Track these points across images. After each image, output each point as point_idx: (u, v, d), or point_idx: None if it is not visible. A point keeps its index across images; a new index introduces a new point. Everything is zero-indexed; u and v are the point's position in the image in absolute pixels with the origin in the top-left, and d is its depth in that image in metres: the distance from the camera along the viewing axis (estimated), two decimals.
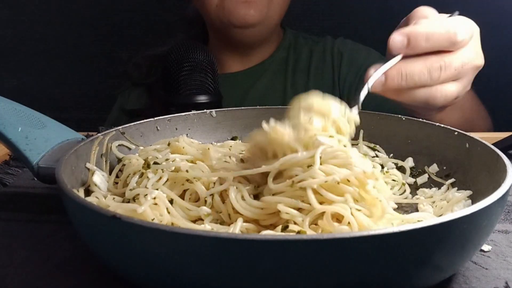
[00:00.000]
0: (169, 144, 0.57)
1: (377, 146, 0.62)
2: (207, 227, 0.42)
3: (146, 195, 0.44)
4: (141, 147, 0.59)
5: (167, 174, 0.48)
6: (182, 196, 0.47)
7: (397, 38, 0.56)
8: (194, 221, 0.45)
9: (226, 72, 1.12)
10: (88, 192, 0.50)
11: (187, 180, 0.47)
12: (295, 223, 0.41)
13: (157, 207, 0.43)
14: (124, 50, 1.55)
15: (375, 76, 0.55)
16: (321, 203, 0.41)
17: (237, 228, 0.41)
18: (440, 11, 0.72)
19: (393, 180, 0.57)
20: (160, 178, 0.48)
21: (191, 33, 1.16)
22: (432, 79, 0.56)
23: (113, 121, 1.15)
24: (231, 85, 1.08)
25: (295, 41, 1.16)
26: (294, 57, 1.13)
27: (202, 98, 0.82)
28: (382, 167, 0.59)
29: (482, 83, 1.35)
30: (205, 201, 0.46)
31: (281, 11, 1.07)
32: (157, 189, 0.46)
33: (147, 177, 0.48)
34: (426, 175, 0.58)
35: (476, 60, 0.61)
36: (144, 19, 1.55)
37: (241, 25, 1.01)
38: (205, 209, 0.44)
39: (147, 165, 0.50)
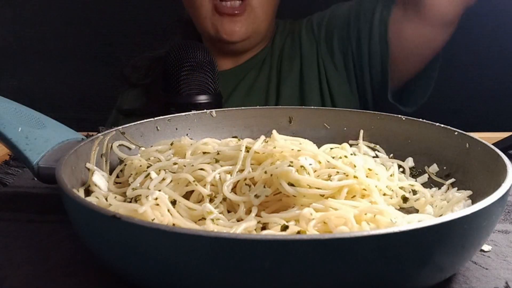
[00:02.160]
0: (172, 144, 0.57)
1: (377, 146, 0.62)
2: (209, 227, 0.42)
3: (148, 196, 0.44)
4: (141, 147, 0.59)
5: (171, 175, 0.48)
6: (187, 198, 0.47)
7: None
8: (197, 221, 0.45)
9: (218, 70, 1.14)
10: (88, 192, 0.50)
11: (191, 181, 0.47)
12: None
13: (158, 208, 0.43)
14: (124, 50, 1.55)
15: None
16: None
17: (240, 229, 0.41)
18: None
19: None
20: (164, 179, 0.48)
21: (187, 33, 1.17)
22: None
23: (112, 121, 1.16)
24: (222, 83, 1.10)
25: (291, 29, 1.15)
26: (280, 46, 1.13)
27: (202, 98, 0.82)
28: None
29: (483, 83, 1.36)
30: (211, 199, 0.46)
31: (268, 22, 1.08)
32: (159, 190, 0.46)
33: (150, 177, 0.48)
34: (426, 175, 0.58)
35: None
36: (145, 19, 1.55)
37: (228, 41, 1.04)
38: (208, 206, 0.44)
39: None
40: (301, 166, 0.46)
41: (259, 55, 1.13)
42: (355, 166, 0.49)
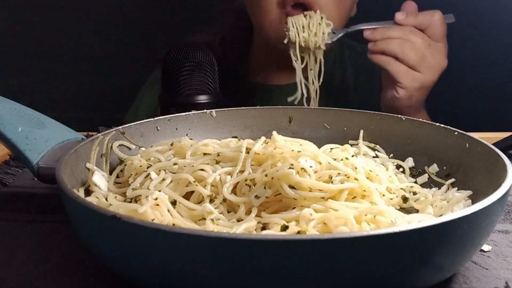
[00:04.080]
0: (172, 145, 0.57)
1: (377, 146, 0.62)
2: (209, 227, 0.42)
3: (148, 196, 0.44)
4: (141, 147, 0.59)
5: (171, 175, 0.48)
6: (187, 198, 0.47)
7: (400, 13, 0.83)
8: (197, 222, 0.45)
9: (268, 84, 1.08)
10: (88, 192, 0.50)
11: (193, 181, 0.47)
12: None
13: (158, 208, 0.43)
14: (124, 51, 1.55)
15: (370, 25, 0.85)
16: None
17: (240, 229, 0.41)
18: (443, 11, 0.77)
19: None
20: (164, 179, 0.48)
21: (238, 26, 1.10)
22: (403, 35, 0.82)
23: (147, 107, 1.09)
24: (276, 96, 1.06)
25: (340, 54, 1.11)
26: (339, 73, 1.09)
27: (202, 98, 0.82)
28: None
29: (483, 83, 1.36)
30: (211, 200, 0.46)
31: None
32: (159, 190, 0.45)
33: (150, 178, 0.48)
34: (426, 175, 0.58)
35: (443, 55, 0.84)
36: (146, 20, 1.55)
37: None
38: (208, 206, 0.44)
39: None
40: (302, 168, 0.46)
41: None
42: (356, 168, 0.49)
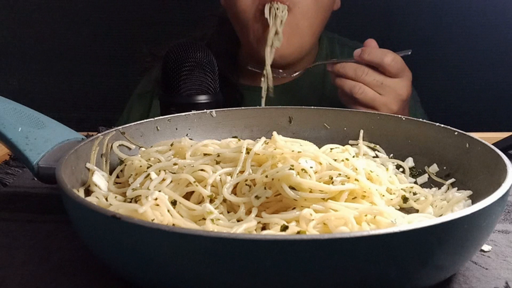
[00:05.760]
0: (172, 145, 0.57)
1: (377, 146, 0.62)
2: (209, 227, 0.42)
3: (148, 196, 0.44)
4: (141, 147, 0.59)
5: (171, 175, 0.48)
6: (187, 198, 0.47)
7: (357, 50, 0.86)
8: (197, 222, 0.45)
9: (255, 86, 1.06)
10: (88, 192, 0.50)
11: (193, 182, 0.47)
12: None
13: (158, 208, 0.43)
14: (124, 51, 1.55)
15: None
16: None
17: (240, 229, 0.41)
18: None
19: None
20: (164, 180, 0.48)
21: (223, 31, 1.10)
22: (356, 76, 0.85)
23: (140, 90, 1.12)
24: (252, 98, 1.06)
25: (331, 51, 1.10)
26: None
27: (202, 98, 0.82)
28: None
29: (482, 84, 1.36)
30: (211, 200, 0.46)
31: (314, 37, 1.02)
32: (159, 191, 0.45)
33: (150, 178, 0.48)
34: (426, 175, 0.58)
35: (399, 90, 0.85)
36: (145, 20, 1.55)
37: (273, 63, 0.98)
38: (208, 206, 0.44)
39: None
40: (302, 169, 0.46)
41: (303, 77, 1.03)
42: (356, 169, 0.49)
